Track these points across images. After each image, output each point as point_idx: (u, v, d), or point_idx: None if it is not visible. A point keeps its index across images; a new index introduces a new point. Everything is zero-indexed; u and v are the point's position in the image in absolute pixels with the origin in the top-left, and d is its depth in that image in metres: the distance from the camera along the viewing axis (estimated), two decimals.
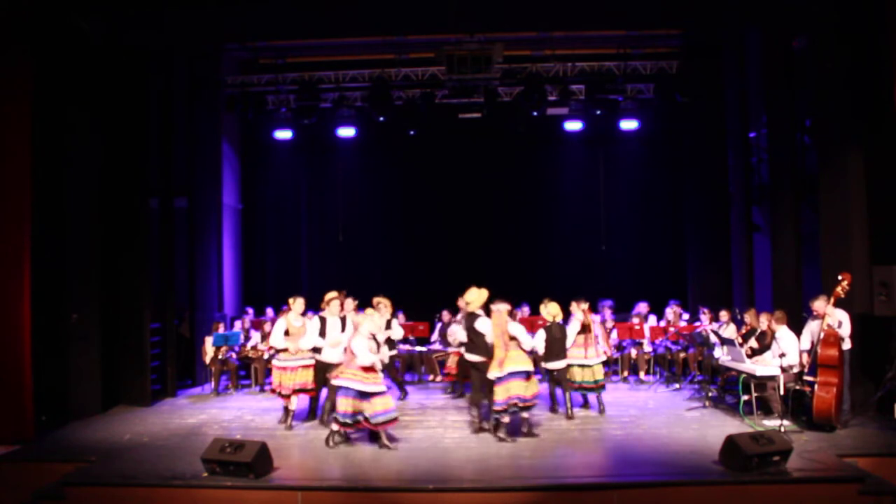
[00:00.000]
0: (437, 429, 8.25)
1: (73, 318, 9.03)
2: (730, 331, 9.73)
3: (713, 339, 9.45)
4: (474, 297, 8.04)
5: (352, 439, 7.64)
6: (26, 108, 8.27)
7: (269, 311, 12.17)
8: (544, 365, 8.87)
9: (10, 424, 7.96)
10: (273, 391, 8.59)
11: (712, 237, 12.21)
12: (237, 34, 10.84)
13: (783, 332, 8.31)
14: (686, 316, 11.51)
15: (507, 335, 7.71)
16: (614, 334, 11.07)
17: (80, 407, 9.07)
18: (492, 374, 7.67)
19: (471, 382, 8.40)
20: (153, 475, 6.65)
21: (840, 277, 7.88)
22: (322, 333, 8.47)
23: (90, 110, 9.40)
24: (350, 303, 9.18)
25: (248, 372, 11.13)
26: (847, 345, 7.98)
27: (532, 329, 10.93)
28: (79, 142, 9.26)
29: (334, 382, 7.61)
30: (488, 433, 7.85)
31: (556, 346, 8.69)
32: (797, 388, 8.06)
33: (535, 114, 12.04)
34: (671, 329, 10.87)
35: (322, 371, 8.40)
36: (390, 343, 9.54)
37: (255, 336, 11.01)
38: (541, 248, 13.85)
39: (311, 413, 8.84)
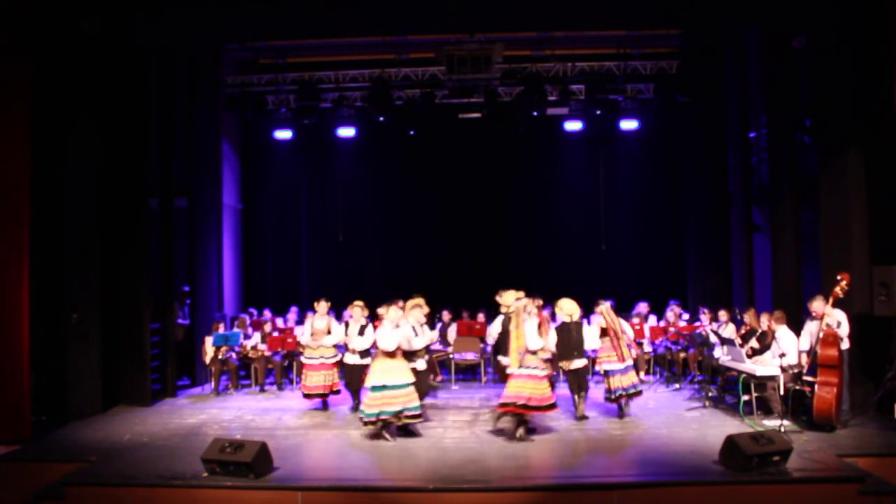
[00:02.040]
0: (437, 429, 8.24)
1: (73, 318, 9.03)
2: (728, 330, 9.74)
3: (713, 339, 9.45)
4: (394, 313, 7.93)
5: None
6: (26, 107, 8.27)
7: (267, 313, 12.17)
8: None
9: (7, 425, 7.95)
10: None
11: (712, 237, 12.21)
12: (237, 34, 10.85)
13: (783, 332, 8.31)
14: (686, 316, 11.52)
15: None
16: None
17: (80, 407, 9.06)
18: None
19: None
20: (153, 475, 6.65)
21: (839, 277, 7.88)
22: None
23: (90, 110, 9.39)
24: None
25: (248, 372, 11.13)
26: (846, 345, 7.98)
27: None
28: (79, 141, 9.26)
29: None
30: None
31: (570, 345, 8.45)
32: (797, 388, 8.06)
33: (535, 114, 12.05)
34: (671, 329, 10.87)
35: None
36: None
37: (256, 336, 11.02)
38: (541, 248, 13.87)
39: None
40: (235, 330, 10.94)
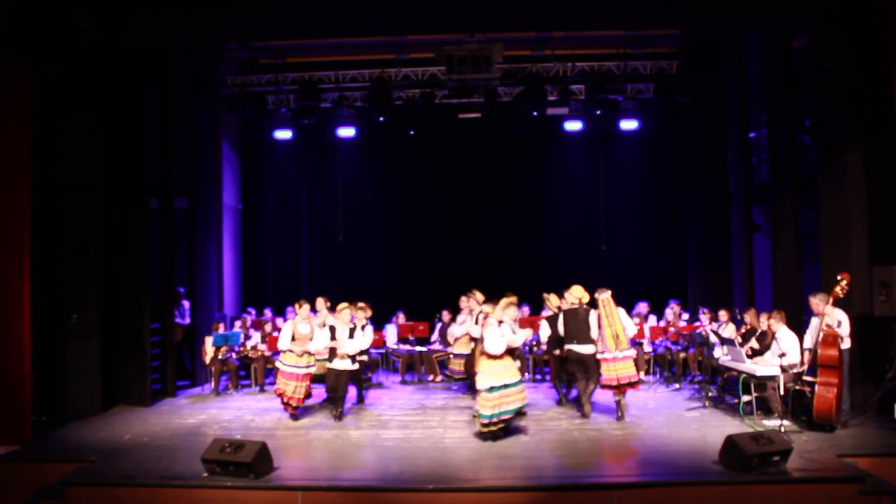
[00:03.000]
0: (437, 429, 8.25)
1: (73, 318, 9.03)
2: (729, 330, 9.74)
3: (713, 339, 9.45)
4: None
5: None
6: (26, 107, 8.27)
7: (268, 313, 12.18)
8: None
9: (8, 425, 7.95)
10: None
11: (712, 237, 12.22)
12: (237, 34, 10.84)
13: (783, 332, 8.31)
14: (686, 316, 11.51)
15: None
16: None
17: (80, 407, 9.06)
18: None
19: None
20: (153, 475, 6.66)
21: (839, 277, 7.89)
22: None
23: (90, 110, 9.39)
24: (321, 302, 9.64)
25: (248, 372, 11.13)
26: (846, 344, 7.97)
27: (534, 328, 10.96)
28: (79, 142, 9.26)
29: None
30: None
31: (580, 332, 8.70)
32: (797, 388, 8.06)
33: (535, 114, 12.07)
34: (671, 329, 10.87)
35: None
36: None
37: (255, 336, 11.02)
38: (541, 248, 13.85)
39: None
40: (235, 330, 10.95)
